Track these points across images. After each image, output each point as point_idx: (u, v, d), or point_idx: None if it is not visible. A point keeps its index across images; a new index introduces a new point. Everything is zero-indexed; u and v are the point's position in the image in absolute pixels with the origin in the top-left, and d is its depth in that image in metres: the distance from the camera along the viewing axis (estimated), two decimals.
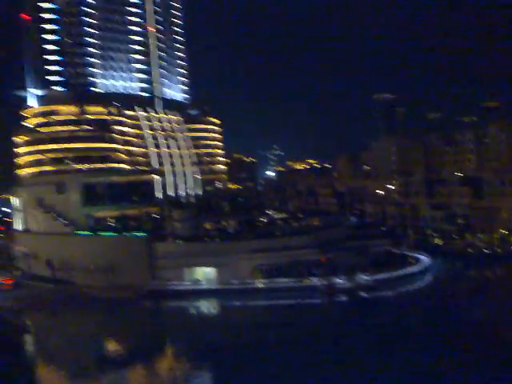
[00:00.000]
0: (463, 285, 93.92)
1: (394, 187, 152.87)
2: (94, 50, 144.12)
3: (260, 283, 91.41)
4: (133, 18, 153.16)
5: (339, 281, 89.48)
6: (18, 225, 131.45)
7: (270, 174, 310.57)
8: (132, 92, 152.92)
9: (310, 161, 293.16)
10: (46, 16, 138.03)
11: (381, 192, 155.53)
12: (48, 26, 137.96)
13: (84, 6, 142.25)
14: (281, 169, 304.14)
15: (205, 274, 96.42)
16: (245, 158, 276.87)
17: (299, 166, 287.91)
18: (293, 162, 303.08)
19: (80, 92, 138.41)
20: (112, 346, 72.71)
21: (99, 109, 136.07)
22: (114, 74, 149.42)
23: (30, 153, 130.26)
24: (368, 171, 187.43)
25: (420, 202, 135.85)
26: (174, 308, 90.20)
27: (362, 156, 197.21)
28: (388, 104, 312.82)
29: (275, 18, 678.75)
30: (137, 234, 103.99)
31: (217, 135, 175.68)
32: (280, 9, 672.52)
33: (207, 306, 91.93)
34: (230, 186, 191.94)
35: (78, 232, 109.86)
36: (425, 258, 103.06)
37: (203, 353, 64.51)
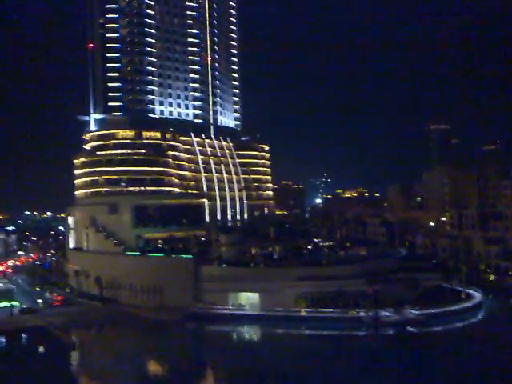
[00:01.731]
0: None
1: (446, 219, 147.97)
2: (153, 78, 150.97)
3: (304, 312, 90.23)
4: (192, 48, 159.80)
5: (386, 314, 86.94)
6: (71, 243, 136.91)
7: (318, 201, 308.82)
8: (187, 118, 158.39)
9: (360, 189, 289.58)
10: (110, 45, 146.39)
11: (433, 224, 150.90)
12: (111, 55, 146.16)
13: (146, 37, 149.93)
14: (329, 196, 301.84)
15: (248, 299, 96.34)
16: (293, 185, 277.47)
17: (348, 194, 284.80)
18: (342, 190, 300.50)
19: (137, 117, 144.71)
20: (153, 367, 73.56)
21: (155, 134, 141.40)
22: (171, 100, 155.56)
23: (86, 174, 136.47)
24: (420, 202, 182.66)
25: (474, 236, 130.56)
26: (217, 332, 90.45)
27: (414, 186, 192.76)
28: (443, 134, 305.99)
29: (326, 45, 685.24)
30: (184, 256, 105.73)
31: (266, 161, 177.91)
32: (331, 36, 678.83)
33: (249, 332, 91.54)
34: (277, 212, 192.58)
35: (128, 252, 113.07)
36: (477, 294, 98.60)
37: (241, 379, 64.13)
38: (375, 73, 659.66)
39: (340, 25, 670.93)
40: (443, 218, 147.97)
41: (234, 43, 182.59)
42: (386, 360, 70.03)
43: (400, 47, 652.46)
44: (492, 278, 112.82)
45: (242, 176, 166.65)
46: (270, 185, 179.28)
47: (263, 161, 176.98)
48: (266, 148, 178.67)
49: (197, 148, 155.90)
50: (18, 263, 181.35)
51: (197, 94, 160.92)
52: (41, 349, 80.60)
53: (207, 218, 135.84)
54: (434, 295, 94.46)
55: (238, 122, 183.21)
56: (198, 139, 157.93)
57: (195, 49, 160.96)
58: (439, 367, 65.28)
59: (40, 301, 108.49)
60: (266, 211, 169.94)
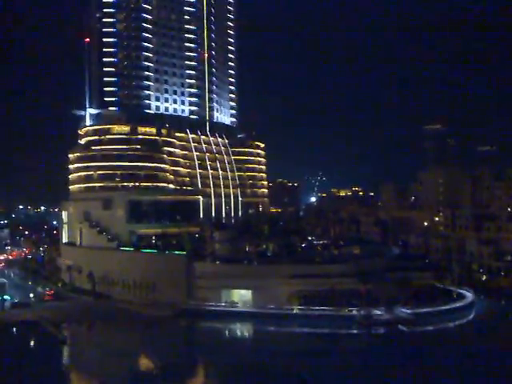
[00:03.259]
0: (507, 325, 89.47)
1: (440, 219, 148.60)
2: (149, 73, 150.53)
3: (296, 309, 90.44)
4: (188, 44, 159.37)
5: (378, 312, 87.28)
6: (65, 238, 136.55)
7: (313, 199, 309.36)
8: (183, 114, 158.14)
9: (354, 188, 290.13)
10: (107, 40, 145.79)
11: (426, 224, 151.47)
12: (107, 50, 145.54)
13: (143, 32, 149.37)
14: (324, 195, 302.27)
15: (241, 296, 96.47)
16: (288, 183, 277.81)
17: (342, 193, 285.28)
18: (336, 188, 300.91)
19: (133, 112, 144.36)
20: (145, 363, 73.53)
21: (150, 129, 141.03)
22: (167, 96, 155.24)
23: (80, 169, 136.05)
24: (414, 202, 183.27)
25: (467, 236, 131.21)
26: (209, 329, 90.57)
27: (408, 186, 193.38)
28: (439, 135, 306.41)
29: (323, 42, 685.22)
30: (177, 252, 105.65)
31: (261, 159, 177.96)
32: (328, 34, 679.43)
33: (241, 329, 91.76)
34: (272, 209, 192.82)
35: (121, 247, 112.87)
36: (469, 294, 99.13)
37: (231, 376, 64.26)
38: (372, 72, 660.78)
39: (338, 22, 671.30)
40: (437, 218, 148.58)
41: (231, 40, 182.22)
42: (377, 358, 70.28)
43: (397, 46, 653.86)
44: (484, 278, 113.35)
45: (236, 173, 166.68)
46: (265, 182, 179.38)
47: (258, 158, 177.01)
48: (262, 145, 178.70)
49: (192, 144, 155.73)
50: (10, 257, 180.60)
51: (193, 90, 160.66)
52: (32, 343, 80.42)
53: (201, 215, 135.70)
54: (426, 294, 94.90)
55: (234, 119, 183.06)
56: (194, 135, 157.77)
57: (192, 45, 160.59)
58: (430, 366, 65.56)
59: (32, 295, 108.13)
60: (260, 209, 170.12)
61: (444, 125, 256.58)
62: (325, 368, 65.40)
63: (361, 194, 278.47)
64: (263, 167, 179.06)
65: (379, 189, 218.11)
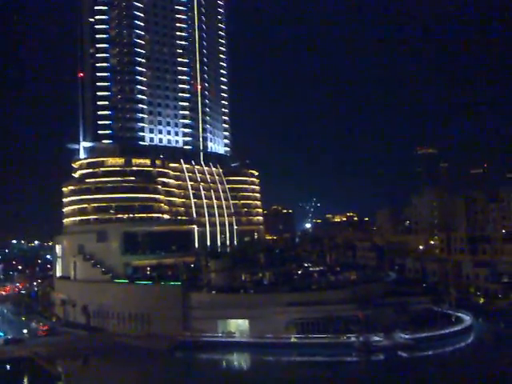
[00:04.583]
0: (506, 347, 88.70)
1: (435, 243, 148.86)
2: (143, 106, 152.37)
3: (294, 338, 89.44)
4: (181, 76, 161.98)
5: (377, 338, 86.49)
6: (58, 272, 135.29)
7: (308, 225, 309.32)
8: (177, 145, 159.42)
9: (349, 214, 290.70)
10: (100, 74, 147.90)
11: (422, 247, 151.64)
12: (101, 84, 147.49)
13: (136, 66, 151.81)
14: (319, 221, 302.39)
15: (238, 326, 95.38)
16: (283, 210, 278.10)
17: (337, 219, 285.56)
18: (331, 214, 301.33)
19: (127, 145, 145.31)
20: None
21: (144, 161, 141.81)
22: (161, 128, 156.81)
23: (74, 202, 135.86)
24: (409, 226, 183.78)
25: (463, 259, 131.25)
26: (206, 360, 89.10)
27: (403, 210, 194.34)
28: (431, 158, 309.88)
29: (312, 74, 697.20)
30: (172, 283, 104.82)
31: (255, 187, 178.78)
32: (317, 65, 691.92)
33: (239, 360, 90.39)
34: (267, 237, 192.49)
35: (116, 280, 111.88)
36: (467, 318, 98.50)
37: None
38: (363, 98, 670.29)
39: (330, 50, 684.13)
40: (432, 242, 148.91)
41: (224, 71, 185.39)
42: None
43: (387, 71, 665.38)
44: (482, 301, 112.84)
45: (231, 201, 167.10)
46: (260, 210, 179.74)
47: (253, 186, 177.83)
48: (256, 173, 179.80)
49: (186, 174, 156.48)
50: (3, 292, 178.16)
51: (186, 121, 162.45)
52: (26, 380, 78.80)
53: (197, 244, 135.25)
54: (425, 319, 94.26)
55: (228, 148, 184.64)
56: (188, 165, 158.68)
57: (185, 77, 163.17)
58: None
59: (25, 331, 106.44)
60: (255, 236, 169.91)
61: (436, 148, 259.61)
62: None
63: (355, 219, 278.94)
64: (258, 195, 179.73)
65: (374, 214, 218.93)
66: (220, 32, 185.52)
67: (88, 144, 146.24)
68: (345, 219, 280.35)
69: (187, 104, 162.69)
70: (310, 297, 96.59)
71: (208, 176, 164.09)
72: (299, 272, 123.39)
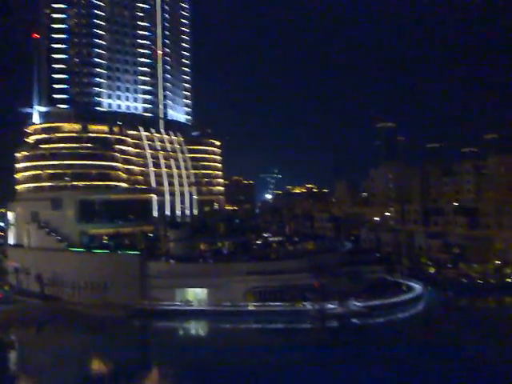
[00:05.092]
0: (454, 315, 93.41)
1: (390, 214, 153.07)
2: (101, 70, 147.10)
3: (251, 306, 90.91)
4: (142, 41, 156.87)
5: (331, 306, 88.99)
6: (11, 239, 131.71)
7: (269, 196, 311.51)
8: (136, 112, 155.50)
9: (309, 185, 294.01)
10: (57, 36, 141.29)
11: (377, 218, 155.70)
12: (57, 46, 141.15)
13: (94, 28, 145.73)
14: (279, 192, 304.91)
15: (196, 294, 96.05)
16: (243, 181, 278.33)
17: (297, 190, 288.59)
18: (291, 185, 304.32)
19: (84, 110, 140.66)
20: (96, 365, 72.04)
21: (102, 127, 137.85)
22: (120, 93, 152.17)
23: (28, 168, 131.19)
24: (366, 198, 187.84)
25: (416, 230, 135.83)
26: (163, 328, 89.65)
27: (360, 182, 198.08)
28: (390, 132, 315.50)
29: (278, 38, 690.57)
30: (130, 252, 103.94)
31: (217, 157, 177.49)
32: (283, 28, 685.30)
33: (196, 327, 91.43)
34: (228, 207, 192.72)
35: (71, 248, 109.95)
36: (417, 287, 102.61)
37: (187, 374, 63.98)
38: (325, 71, 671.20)
39: (294, 21, 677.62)
40: (387, 213, 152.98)
41: (186, 37, 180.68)
42: (330, 351, 71.66)
43: (350, 44, 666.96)
44: (432, 270, 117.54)
45: (192, 171, 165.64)
46: (221, 180, 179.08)
47: (214, 156, 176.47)
48: (218, 143, 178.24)
49: (146, 142, 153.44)
50: None
51: (146, 88, 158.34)
52: None
53: (155, 214, 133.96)
54: (377, 287, 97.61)
55: (189, 117, 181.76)
56: (147, 133, 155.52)
57: (146, 42, 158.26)
58: (381, 357, 67.45)
59: None
60: (216, 206, 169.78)
61: (394, 123, 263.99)
62: (278, 362, 66.04)
63: (315, 191, 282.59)
64: (219, 165, 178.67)
65: (333, 186, 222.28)
66: None
67: (43, 108, 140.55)
68: (305, 191, 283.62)
69: (147, 70, 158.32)
70: (268, 266, 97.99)
71: (168, 144, 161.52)
72: (258, 242, 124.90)
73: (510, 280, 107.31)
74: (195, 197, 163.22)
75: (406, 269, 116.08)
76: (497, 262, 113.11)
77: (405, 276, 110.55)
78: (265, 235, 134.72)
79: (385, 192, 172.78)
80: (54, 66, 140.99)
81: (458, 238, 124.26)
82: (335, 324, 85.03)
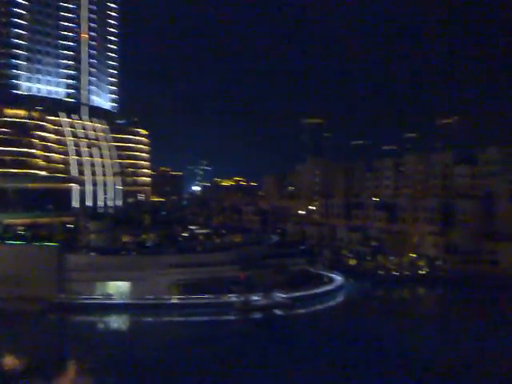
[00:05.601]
0: (371, 304, 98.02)
1: (315, 208, 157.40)
2: (20, 52, 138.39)
3: (175, 299, 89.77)
4: (66, 23, 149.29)
5: (256, 298, 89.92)
6: None
7: (196, 188, 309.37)
8: (57, 97, 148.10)
9: (237, 178, 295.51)
10: None
11: (302, 212, 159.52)
12: None
13: (14, 7, 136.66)
14: (207, 184, 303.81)
15: (118, 288, 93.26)
16: (171, 172, 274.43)
17: (225, 183, 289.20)
18: (220, 178, 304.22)
19: (0, 93, 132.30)
20: (8, 361, 68.01)
21: (19, 112, 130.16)
22: (40, 77, 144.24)
23: None
24: (292, 192, 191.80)
25: (338, 224, 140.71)
26: (80, 322, 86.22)
27: (288, 177, 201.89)
28: (316, 129, 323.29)
29: (208, 32, 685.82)
30: (47, 243, 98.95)
31: (143, 146, 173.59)
32: (214, 21, 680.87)
33: (116, 321, 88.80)
34: (154, 198, 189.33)
35: None
36: (338, 278, 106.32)
37: (105, 369, 62.04)
38: (254, 65, 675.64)
39: (229, 7, 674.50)
40: (312, 207, 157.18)
41: (114, 21, 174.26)
42: (252, 343, 72.46)
43: (279, 38, 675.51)
44: (352, 262, 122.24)
45: (116, 160, 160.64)
46: (147, 171, 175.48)
47: (140, 145, 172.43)
48: (144, 132, 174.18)
49: (67, 129, 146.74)
50: None
51: (69, 72, 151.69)
52: None
53: (76, 204, 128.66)
54: (301, 279, 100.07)
55: (115, 104, 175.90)
56: (69, 119, 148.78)
57: (70, 24, 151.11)
58: (302, 347, 69.15)
59: None
60: (141, 198, 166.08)
61: (321, 119, 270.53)
62: (201, 355, 65.76)
63: (243, 184, 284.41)
64: (145, 155, 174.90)
65: (261, 179, 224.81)
66: None
67: None
68: (233, 183, 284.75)
69: (71, 53, 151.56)
70: (194, 259, 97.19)
71: (91, 132, 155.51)
72: (185, 234, 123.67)
73: (423, 272, 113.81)
74: (119, 187, 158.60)
75: (328, 261, 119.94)
76: (411, 254, 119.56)
77: (327, 268, 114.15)
78: (191, 227, 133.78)
79: (310, 186, 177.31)
80: None
81: (377, 232, 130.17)
82: (259, 315, 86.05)
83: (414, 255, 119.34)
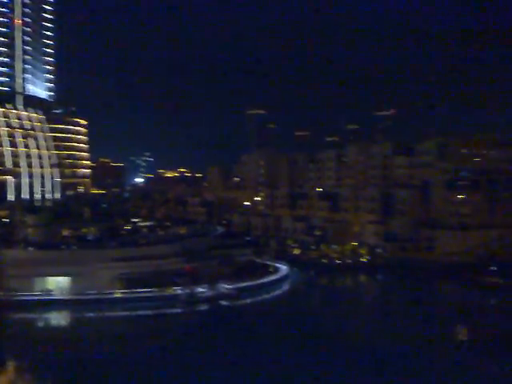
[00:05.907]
0: (314, 292, 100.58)
1: (260, 199, 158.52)
2: None
3: (118, 293, 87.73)
4: None
5: (201, 290, 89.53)
6: None
7: (139, 180, 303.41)
8: None
9: (182, 169, 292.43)
10: None
11: (248, 203, 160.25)
12: None
13: None
14: (150, 176, 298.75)
15: (58, 283, 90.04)
16: (112, 163, 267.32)
17: (170, 174, 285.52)
18: (163, 169, 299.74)
19: None
20: None
21: None
22: None
23: None
24: (238, 183, 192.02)
25: (283, 214, 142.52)
26: (18, 320, 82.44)
27: (233, 168, 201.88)
28: (260, 120, 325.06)
29: (154, 16, 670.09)
30: None
31: (82, 137, 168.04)
32: (158, 6, 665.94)
33: (57, 318, 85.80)
34: (94, 191, 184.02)
35: None
36: (284, 268, 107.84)
37: (44, 367, 59.81)
38: (199, 52, 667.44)
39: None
40: (258, 198, 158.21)
41: (50, 7, 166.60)
42: (198, 334, 72.22)
43: (226, 30, 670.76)
44: (297, 252, 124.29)
45: (53, 151, 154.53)
46: (87, 162, 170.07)
47: (79, 136, 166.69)
48: (83, 122, 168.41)
49: (1, 119, 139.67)
50: None
51: (3, 59, 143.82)
52: None
53: (11, 197, 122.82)
54: (246, 270, 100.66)
55: (51, 93, 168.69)
56: (3, 109, 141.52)
57: (2, 9, 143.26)
58: (248, 337, 69.64)
59: None
60: (80, 190, 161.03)
61: (265, 110, 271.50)
62: (147, 350, 64.79)
63: (188, 175, 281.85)
64: (84, 146, 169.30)
65: (206, 170, 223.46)
66: None
67: None
68: (177, 175, 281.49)
69: (4, 39, 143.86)
70: (137, 252, 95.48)
71: (27, 122, 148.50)
72: (127, 227, 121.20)
73: (364, 260, 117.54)
74: (57, 179, 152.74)
75: (273, 251, 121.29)
76: (353, 243, 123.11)
77: (272, 258, 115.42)
78: (134, 220, 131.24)
79: (255, 177, 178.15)
80: None
81: (321, 221, 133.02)
82: (205, 307, 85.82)
83: (356, 243, 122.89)
